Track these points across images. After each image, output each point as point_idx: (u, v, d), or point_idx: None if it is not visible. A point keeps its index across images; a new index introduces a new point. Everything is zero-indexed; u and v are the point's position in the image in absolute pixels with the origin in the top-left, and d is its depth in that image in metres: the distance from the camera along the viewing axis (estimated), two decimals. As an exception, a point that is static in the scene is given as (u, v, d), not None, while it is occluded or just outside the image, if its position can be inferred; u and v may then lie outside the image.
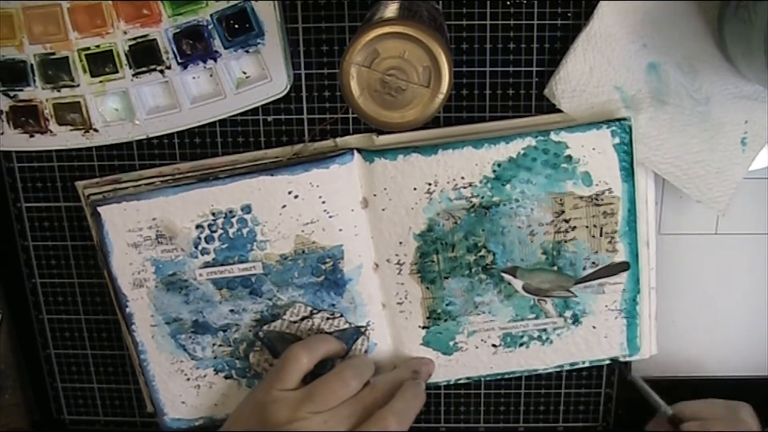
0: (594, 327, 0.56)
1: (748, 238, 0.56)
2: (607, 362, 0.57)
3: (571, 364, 0.57)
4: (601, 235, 0.54)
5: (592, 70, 0.51)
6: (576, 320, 0.56)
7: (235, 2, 0.50)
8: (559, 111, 0.52)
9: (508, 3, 0.51)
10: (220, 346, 0.57)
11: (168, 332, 0.57)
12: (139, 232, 0.54)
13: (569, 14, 0.51)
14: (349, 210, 0.54)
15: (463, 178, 0.52)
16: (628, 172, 0.52)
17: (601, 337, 0.56)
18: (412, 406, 0.52)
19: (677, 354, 0.59)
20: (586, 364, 0.57)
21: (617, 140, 0.51)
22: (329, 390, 0.51)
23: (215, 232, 0.54)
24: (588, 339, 0.56)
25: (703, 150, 0.53)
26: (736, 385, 0.59)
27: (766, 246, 0.57)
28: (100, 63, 0.51)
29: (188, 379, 0.58)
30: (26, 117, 0.53)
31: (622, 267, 0.54)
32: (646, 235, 0.54)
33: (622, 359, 0.57)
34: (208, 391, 0.58)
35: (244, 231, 0.54)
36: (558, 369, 0.58)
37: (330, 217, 0.53)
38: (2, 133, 0.53)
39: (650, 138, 0.52)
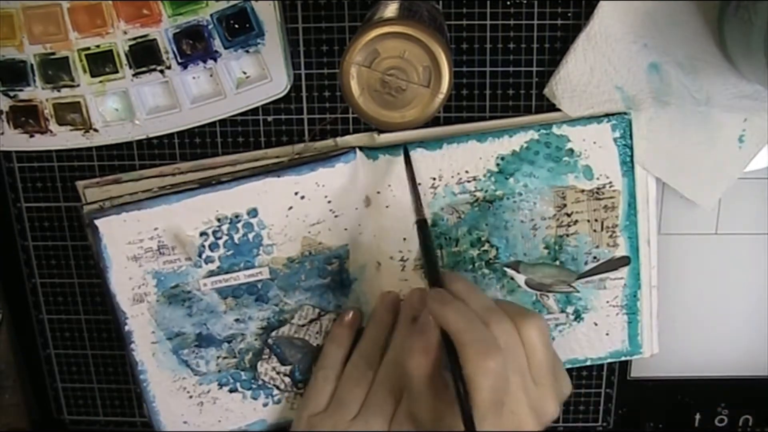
0: (596, 323, 0.56)
1: (748, 238, 0.56)
2: (609, 360, 0.57)
3: (572, 362, 0.57)
4: (602, 230, 0.54)
5: (592, 70, 0.51)
6: (578, 316, 0.56)
7: (235, 2, 0.50)
8: (560, 111, 0.52)
9: (508, 3, 0.51)
10: (225, 358, 0.56)
11: (170, 348, 0.55)
12: (140, 244, 0.53)
13: (569, 14, 0.51)
14: (354, 209, 0.53)
15: (467, 172, 0.53)
16: (629, 166, 0.52)
17: (603, 334, 0.56)
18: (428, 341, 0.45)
19: (677, 354, 0.59)
20: (588, 363, 0.57)
21: (617, 134, 0.52)
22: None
23: (220, 238, 0.53)
24: (590, 336, 0.56)
25: (700, 149, 0.53)
26: (736, 385, 0.59)
27: (766, 246, 0.57)
28: (100, 63, 0.51)
29: (191, 397, 0.56)
30: (26, 117, 0.53)
31: (623, 262, 0.54)
32: (647, 234, 0.54)
33: (624, 358, 0.57)
34: (211, 408, 0.57)
35: (250, 236, 0.53)
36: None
37: (336, 216, 0.53)
38: (2, 133, 0.53)
39: (649, 138, 0.52)
